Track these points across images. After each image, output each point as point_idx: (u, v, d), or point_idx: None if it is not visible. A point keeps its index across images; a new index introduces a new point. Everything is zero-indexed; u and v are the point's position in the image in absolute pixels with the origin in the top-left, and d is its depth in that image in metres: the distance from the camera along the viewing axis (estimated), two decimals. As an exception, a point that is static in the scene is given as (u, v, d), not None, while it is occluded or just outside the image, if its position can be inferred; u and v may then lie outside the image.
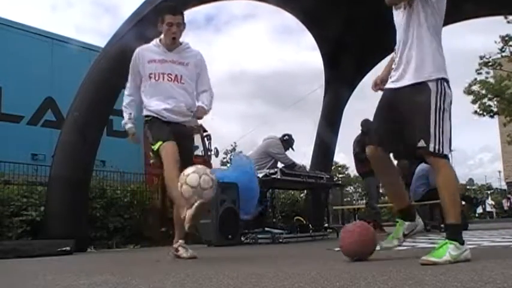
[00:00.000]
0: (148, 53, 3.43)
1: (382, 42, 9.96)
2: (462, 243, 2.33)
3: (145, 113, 3.45)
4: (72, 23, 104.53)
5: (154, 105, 3.38)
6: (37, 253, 4.38)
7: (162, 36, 3.45)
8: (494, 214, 24.43)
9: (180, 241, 3.44)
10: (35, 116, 7.79)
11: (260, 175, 6.03)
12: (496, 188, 36.90)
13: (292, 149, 7.09)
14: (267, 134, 7.07)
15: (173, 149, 3.23)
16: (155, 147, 3.30)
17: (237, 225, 5.68)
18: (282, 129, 8.38)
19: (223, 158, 17.22)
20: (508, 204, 25.21)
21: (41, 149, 7.44)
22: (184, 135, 3.44)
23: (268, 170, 6.14)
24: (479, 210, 23.65)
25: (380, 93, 2.79)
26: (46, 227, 5.20)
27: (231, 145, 15.63)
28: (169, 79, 3.39)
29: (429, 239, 5.10)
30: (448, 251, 2.27)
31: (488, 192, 31.64)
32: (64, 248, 4.59)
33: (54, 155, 5.49)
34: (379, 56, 10.07)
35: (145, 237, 6.51)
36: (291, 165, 6.49)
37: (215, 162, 11.85)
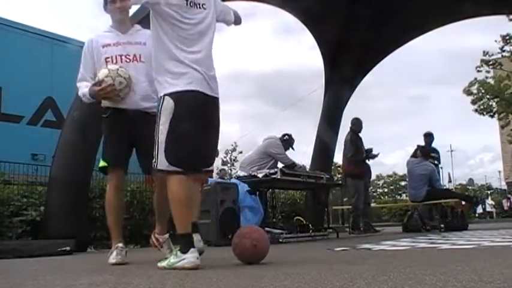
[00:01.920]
0: (102, 38, 3.33)
1: (382, 42, 10.04)
2: (184, 252, 2.44)
3: (102, 103, 3.25)
4: (72, 22, 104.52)
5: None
6: (37, 253, 4.38)
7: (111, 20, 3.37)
8: (494, 214, 24.41)
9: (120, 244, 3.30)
10: (35, 116, 7.79)
11: (260, 175, 6.04)
12: (496, 188, 36.90)
13: (293, 148, 7.09)
14: (267, 134, 7.08)
15: (118, 181, 3.26)
16: (100, 164, 3.28)
17: (237, 225, 5.68)
18: (282, 129, 8.37)
19: (224, 158, 17.29)
20: (508, 204, 25.17)
21: (41, 149, 7.43)
22: (143, 125, 3.11)
23: (268, 170, 6.15)
24: (479, 210, 23.62)
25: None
26: (46, 227, 5.20)
27: (231, 145, 15.70)
28: (128, 60, 3.25)
29: (429, 239, 5.10)
30: (171, 257, 2.51)
31: (488, 192, 31.63)
32: (64, 248, 4.58)
33: (55, 155, 5.49)
34: (379, 56, 10.11)
35: (145, 237, 6.50)
36: (291, 165, 6.49)
37: (215, 162, 11.83)
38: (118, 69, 3.14)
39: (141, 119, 3.17)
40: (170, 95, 2.56)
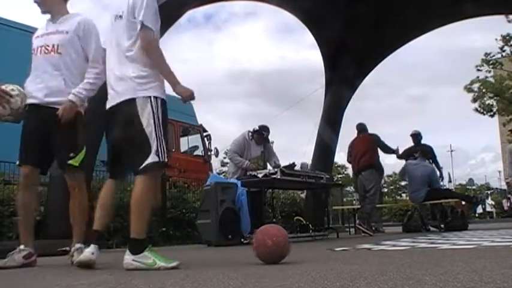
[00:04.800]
0: (38, 30, 3.26)
1: (383, 42, 10.05)
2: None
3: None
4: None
5: (29, 86, 3.16)
6: (37, 253, 4.37)
7: None
8: (494, 214, 24.42)
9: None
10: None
11: (260, 175, 6.04)
12: (496, 188, 36.88)
13: (268, 140, 6.86)
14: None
15: (25, 179, 3.22)
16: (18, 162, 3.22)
17: (237, 225, 5.68)
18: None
19: (224, 158, 17.25)
20: (508, 204, 25.17)
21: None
22: (55, 121, 3.00)
23: (268, 170, 6.15)
24: (479, 210, 23.63)
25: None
26: (46, 226, 5.19)
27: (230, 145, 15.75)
28: (46, 51, 3.08)
29: (429, 239, 5.10)
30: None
31: (488, 192, 31.62)
32: (64, 248, 4.57)
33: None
34: (379, 56, 10.11)
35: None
36: (240, 165, 6.48)
37: (215, 162, 11.86)
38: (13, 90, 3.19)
39: (46, 115, 3.05)
40: None
